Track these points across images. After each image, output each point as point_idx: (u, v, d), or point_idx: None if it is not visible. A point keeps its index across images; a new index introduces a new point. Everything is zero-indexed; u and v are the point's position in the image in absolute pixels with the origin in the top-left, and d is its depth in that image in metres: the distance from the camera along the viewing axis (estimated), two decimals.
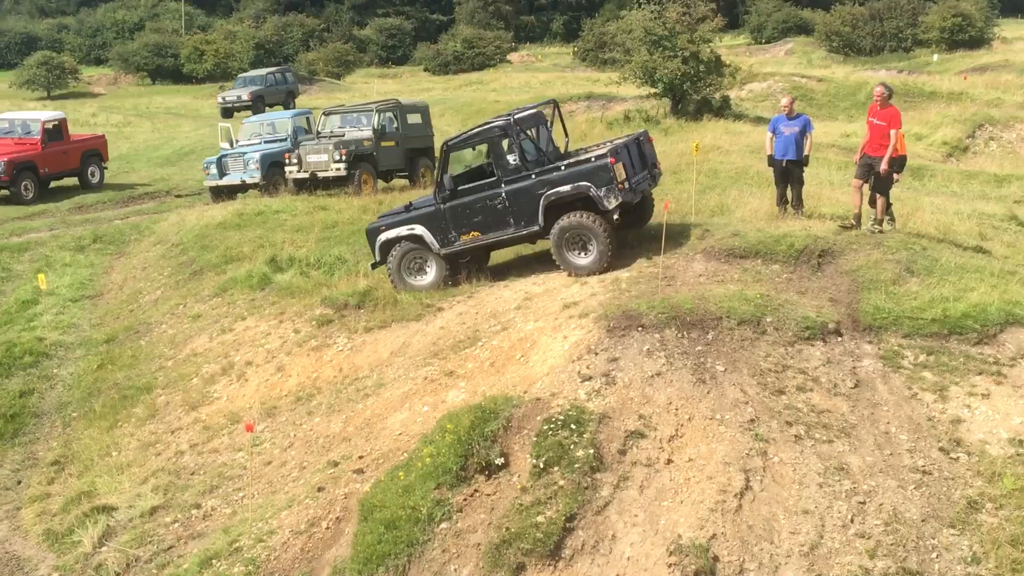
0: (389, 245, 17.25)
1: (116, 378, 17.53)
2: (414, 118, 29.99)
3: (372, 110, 29.18)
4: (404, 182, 29.77)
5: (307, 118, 31.63)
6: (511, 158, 16.53)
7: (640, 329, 12.53)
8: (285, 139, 29.92)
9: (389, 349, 15.30)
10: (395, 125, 29.14)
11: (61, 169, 33.20)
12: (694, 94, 39.13)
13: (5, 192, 31.48)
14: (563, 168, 16.26)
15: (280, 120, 31.51)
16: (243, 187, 29.16)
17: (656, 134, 34.89)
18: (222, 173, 29.42)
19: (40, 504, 14.20)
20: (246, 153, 29.28)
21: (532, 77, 68.23)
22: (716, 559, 10.01)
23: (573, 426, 11.02)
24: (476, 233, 16.70)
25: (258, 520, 12.16)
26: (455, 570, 10.29)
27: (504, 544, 10.13)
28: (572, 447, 10.78)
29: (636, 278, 14.68)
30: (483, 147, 17.56)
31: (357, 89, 67.25)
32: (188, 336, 18.18)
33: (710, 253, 15.35)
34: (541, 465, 10.68)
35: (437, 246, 16.86)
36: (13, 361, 18.54)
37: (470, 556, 10.32)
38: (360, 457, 12.62)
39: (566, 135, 18.74)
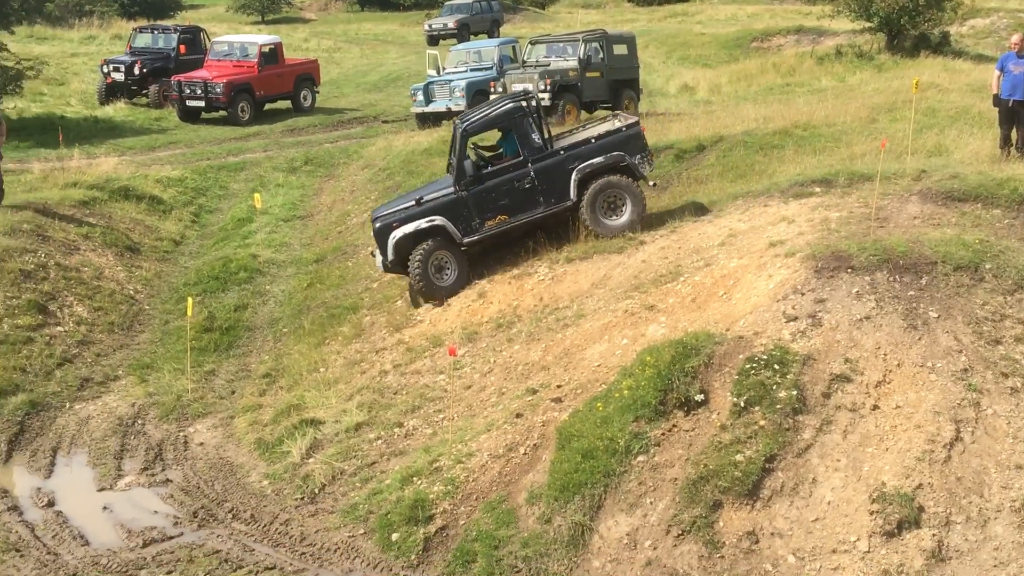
0: (405, 243, 16.17)
1: (324, 297, 18.13)
2: (620, 49, 29.65)
3: (578, 40, 28.98)
4: (607, 113, 29.53)
5: (513, 47, 31.69)
6: (535, 137, 16.44)
7: (849, 271, 12.18)
8: (491, 67, 30.06)
9: (590, 280, 15.31)
10: (600, 56, 28.87)
11: (275, 92, 34.24)
12: (911, 29, 37.51)
13: (223, 113, 32.70)
14: (593, 141, 16.43)
15: (486, 48, 31.67)
16: (448, 114, 29.48)
17: (870, 70, 33.78)
18: (428, 100, 29.82)
19: (252, 414, 14.85)
20: (452, 80, 29.57)
21: (739, 9, 66.56)
22: (921, 509, 9.74)
23: (776, 366, 10.84)
24: (504, 217, 16.31)
25: (457, 442, 12.43)
26: (651, 503, 10.31)
27: (701, 480, 10.10)
28: (774, 387, 10.61)
29: (847, 218, 14.24)
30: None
31: (560, 19, 67.00)
32: None
33: (926, 195, 14.77)
34: (742, 404, 10.56)
35: (460, 236, 16.22)
36: (229, 276, 19.38)
37: (666, 490, 10.32)
38: (558, 386, 12.73)
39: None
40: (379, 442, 13.31)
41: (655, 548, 9.99)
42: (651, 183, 16.97)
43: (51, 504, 12.79)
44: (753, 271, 13.08)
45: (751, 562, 9.51)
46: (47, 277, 18.15)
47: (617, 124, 17.07)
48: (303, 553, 11.48)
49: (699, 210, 16.68)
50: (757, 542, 9.63)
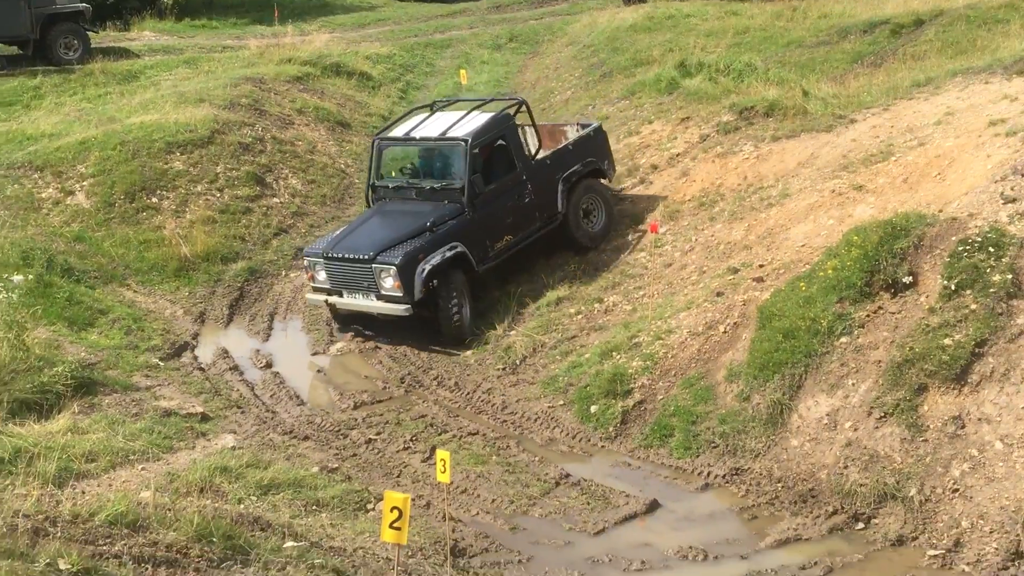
0: (432, 278, 13.58)
1: None
2: None
3: None
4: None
5: None
6: (527, 146, 15.32)
7: None
8: None
9: (796, 159, 14.98)
10: None
11: None
12: None
13: None
14: (570, 147, 15.53)
15: None
16: None
17: None
18: None
19: None
20: None
21: None
22: None
23: (991, 249, 10.41)
24: (509, 237, 14.64)
25: (657, 319, 12.50)
26: (853, 385, 10.18)
27: (906, 363, 9.89)
28: (988, 271, 10.22)
29: None
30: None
31: None
32: None
33: None
34: (952, 287, 10.22)
35: (476, 263, 14.14)
36: None
37: (869, 372, 10.17)
38: (760, 266, 12.60)
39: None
40: (579, 317, 13.50)
41: (856, 429, 9.89)
42: (617, 189, 16.45)
43: (269, 365, 13.51)
44: (970, 151, 12.55)
45: (956, 447, 9.32)
46: (264, 150, 18.88)
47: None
48: (504, 421, 11.84)
49: (914, 87, 16.01)
50: (963, 427, 9.41)
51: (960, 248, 10.50)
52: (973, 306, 9.99)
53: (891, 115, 15.00)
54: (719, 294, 12.37)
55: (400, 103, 23.49)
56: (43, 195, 16.67)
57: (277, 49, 24.09)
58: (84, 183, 16.95)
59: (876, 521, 9.33)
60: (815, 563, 8.92)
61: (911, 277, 10.61)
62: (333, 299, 14.15)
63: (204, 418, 11.55)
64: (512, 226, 14.67)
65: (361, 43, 26.75)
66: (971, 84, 15.18)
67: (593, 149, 15.73)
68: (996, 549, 8.59)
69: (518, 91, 23.97)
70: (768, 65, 19.81)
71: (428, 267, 13.49)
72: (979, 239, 10.51)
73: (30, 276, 13.69)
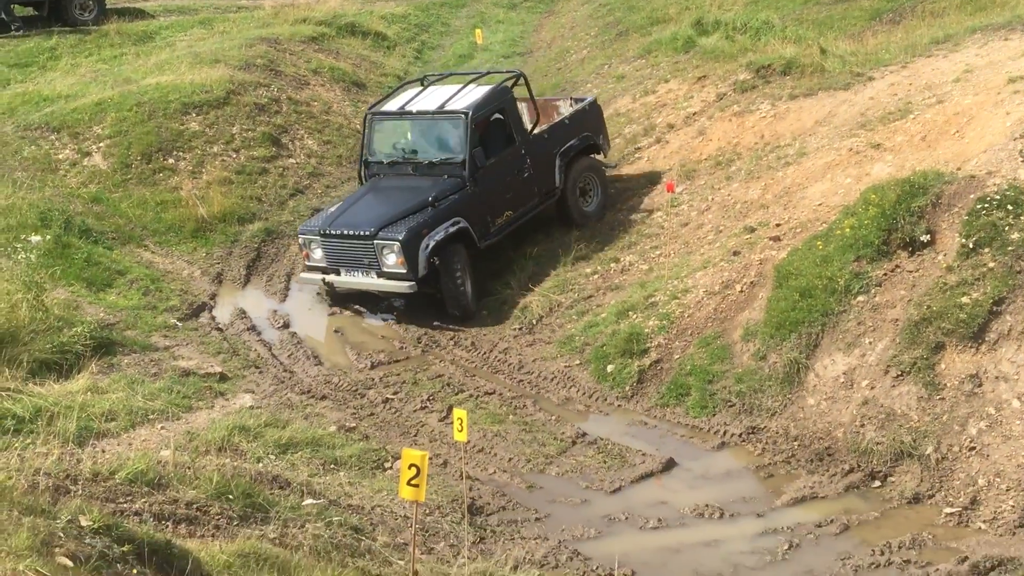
0: (435, 254, 13.24)
1: None
2: None
3: None
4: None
5: None
6: (526, 119, 15.07)
7: None
8: None
9: (813, 118, 14.90)
10: None
11: None
12: None
13: None
14: (567, 122, 15.17)
15: None
16: None
17: None
18: None
19: None
20: None
21: None
22: None
23: (1010, 207, 10.35)
24: (510, 212, 14.33)
25: (673, 278, 12.49)
26: (870, 343, 10.17)
27: (924, 322, 9.87)
28: (1007, 229, 10.17)
29: None
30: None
31: None
32: (612, 96, 18.50)
33: None
34: (970, 245, 10.18)
35: (478, 239, 13.82)
36: None
37: (886, 331, 10.15)
38: (777, 225, 12.56)
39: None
40: (595, 276, 13.50)
41: (872, 388, 9.90)
42: (612, 164, 16.18)
43: (286, 326, 13.55)
44: (989, 108, 12.45)
45: (973, 405, 9.32)
46: (280, 111, 18.86)
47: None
48: (521, 380, 11.87)
49: (933, 44, 15.87)
50: (980, 385, 9.41)
51: (978, 206, 10.44)
52: (991, 264, 9.96)
53: (909, 73, 14.88)
54: (736, 253, 12.35)
55: (415, 63, 23.43)
56: (60, 156, 16.71)
57: (292, 9, 24.05)
58: (101, 144, 16.97)
59: (892, 479, 9.35)
60: (831, 521, 8.94)
61: (929, 235, 10.57)
62: (330, 278, 13.83)
63: (222, 378, 11.60)
64: (512, 201, 14.39)
65: (376, 2, 26.66)
66: (990, 41, 15.04)
67: (589, 123, 15.46)
68: (1013, 507, 8.60)
69: (533, 51, 23.91)
70: (785, 23, 19.69)
71: (432, 243, 13.17)
72: (998, 197, 10.46)
73: (48, 237, 13.72)
